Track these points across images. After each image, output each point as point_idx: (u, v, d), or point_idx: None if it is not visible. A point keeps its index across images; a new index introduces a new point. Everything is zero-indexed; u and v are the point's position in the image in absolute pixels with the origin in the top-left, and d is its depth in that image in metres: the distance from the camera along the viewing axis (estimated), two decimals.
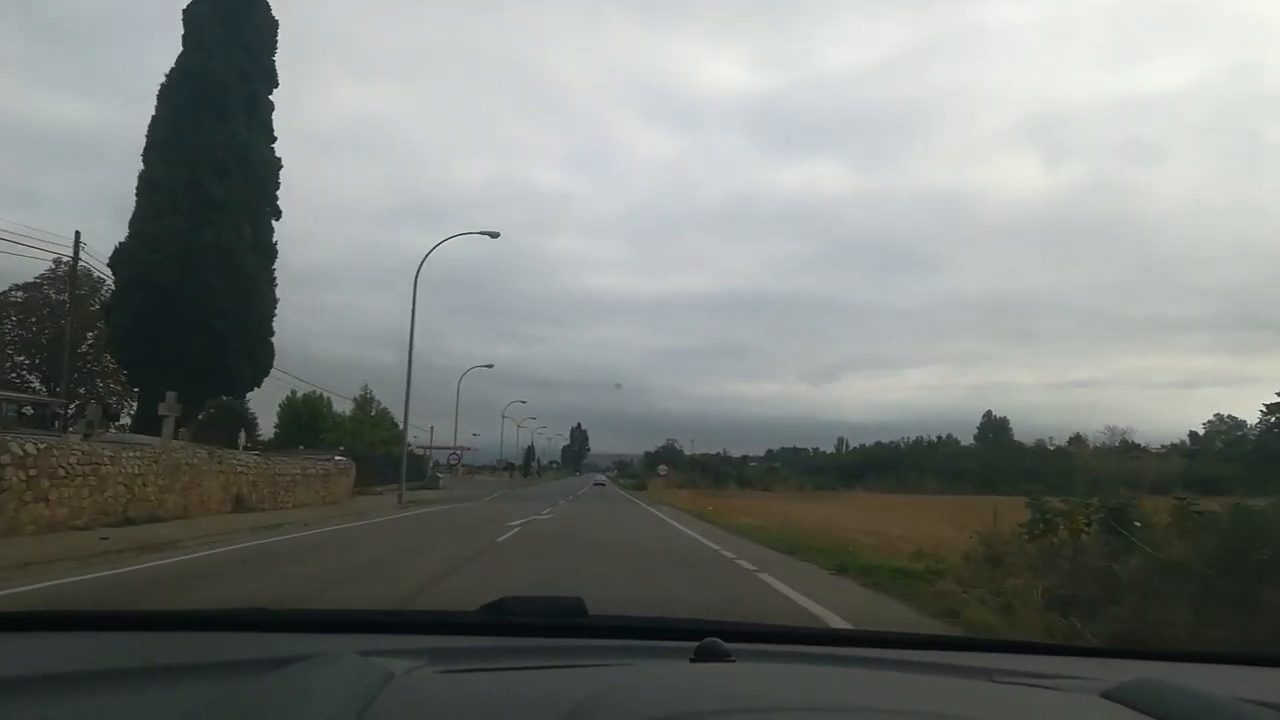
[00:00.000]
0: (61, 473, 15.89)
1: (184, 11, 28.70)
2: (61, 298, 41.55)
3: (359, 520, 23.06)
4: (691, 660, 1.47)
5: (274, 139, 30.09)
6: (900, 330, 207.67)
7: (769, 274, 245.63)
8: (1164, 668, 1.89)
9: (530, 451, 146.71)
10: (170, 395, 21.44)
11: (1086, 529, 10.29)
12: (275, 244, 29.90)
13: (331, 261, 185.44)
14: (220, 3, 28.46)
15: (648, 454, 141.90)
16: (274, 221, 30.00)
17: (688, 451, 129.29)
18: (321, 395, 68.34)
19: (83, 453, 16.76)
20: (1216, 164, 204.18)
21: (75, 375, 36.48)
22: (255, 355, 28.42)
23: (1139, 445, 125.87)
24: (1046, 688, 1.38)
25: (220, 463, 22.37)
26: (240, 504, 22.75)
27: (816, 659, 1.73)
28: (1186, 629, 6.43)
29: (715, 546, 18.11)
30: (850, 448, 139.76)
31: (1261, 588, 6.40)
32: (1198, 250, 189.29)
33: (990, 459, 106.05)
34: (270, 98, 30.02)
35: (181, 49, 28.34)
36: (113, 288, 29.25)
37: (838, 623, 8.06)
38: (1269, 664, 1.96)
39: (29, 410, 32.70)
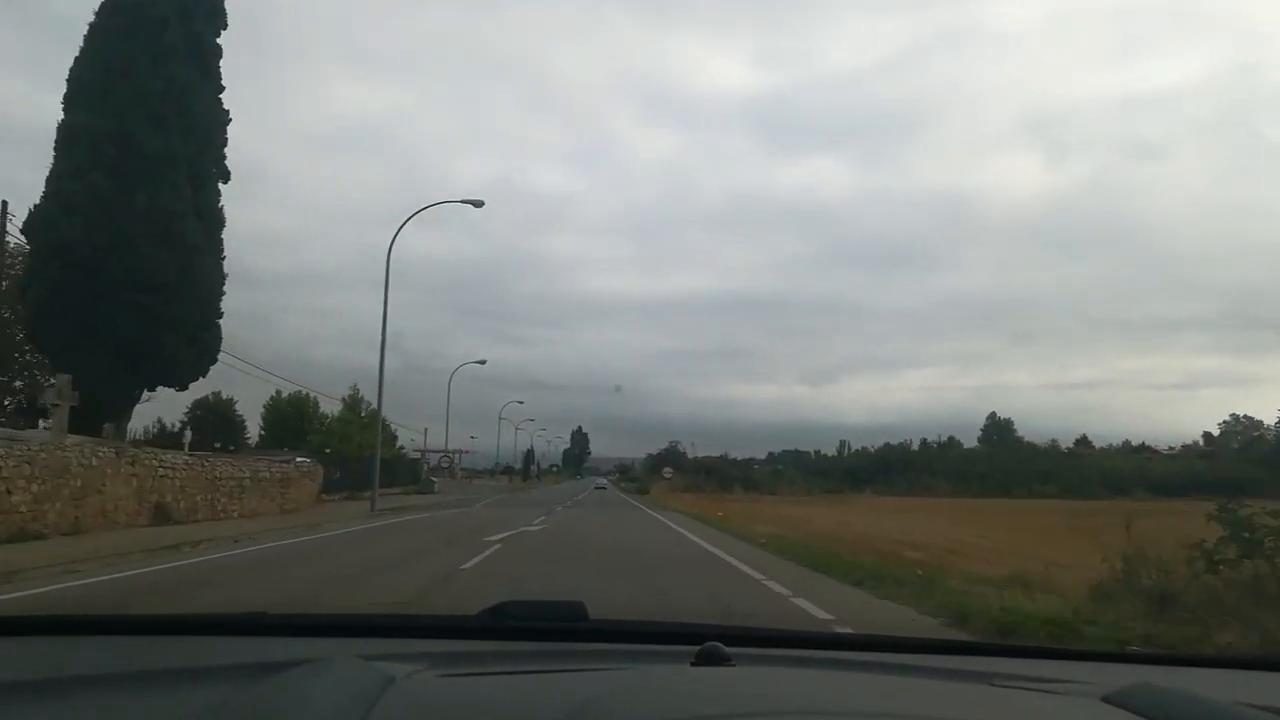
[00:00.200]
0: None
1: None
2: None
3: (308, 534, 18.41)
4: (692, 664, 1.42)
5: (221, 88, 25.41)
6: (900, 331, 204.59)
7: (769, 274, 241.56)
8: (1163, 672, 1.86)
9: (530, 455, 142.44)
10: (63, 379, 16.83)
11: None
12: (222, 209, 25.17)
13: (331, 263, 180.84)
14: None
15: (650, 456, 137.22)
16: (221, 184, 25.31)
17: (689, 454, 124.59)
18: (308, 395, 63.60)
19: None
20: (1218, 163, 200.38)
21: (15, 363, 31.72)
22: (197, 338, 23.66)
23: (1148, 446, 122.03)
24: (1046, 692, 1.36)
25: (133, 464, 17.66)
26: (163, 514, 18.07)
27: (817, 663, 1.72)
28: None
29: (747, 569, 13.80)
30: (852, 450, 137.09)
31: None
32: (1199, 250, 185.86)
33: (1001, 461, 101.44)
34: (219, 41, 25.35)
35: None
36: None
37: None
38: (1268, 668, 1.93)
39: None
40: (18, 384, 31.76)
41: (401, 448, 74.93)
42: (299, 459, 27.76)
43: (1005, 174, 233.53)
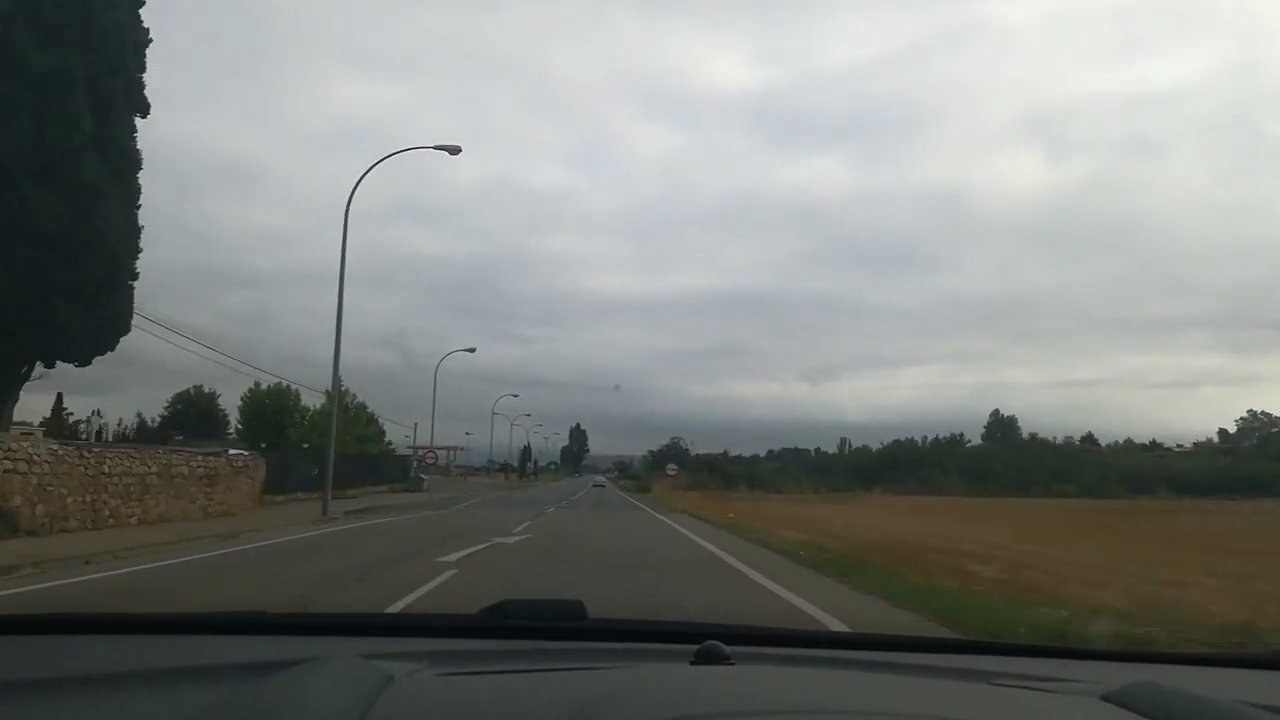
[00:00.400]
0: None
1: None
2: None
3: (205, 551, 13.54)
4: (691, 663, 1.40)
5: (141, 2, 20.49)
6: (899, 329, 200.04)
7: (769, 272, 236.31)
8: (1163, 670, 1.79)
9: (526, 451, 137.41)
10: None
11: None
12: (137, 147, 20.24)
13: (330, 261, 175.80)
14: None
15: (651, 453, 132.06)
16: (138, 118, 20.39)
17: (690, 452, 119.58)
18: (289, 388, 58.54)
19: None
20: (1219, 162, 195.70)
21: None
22: (97, 303, 18.76)
23: (1159, 444, 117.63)
24: (1045, 691, 1.34)
25: None
26: (6, 522, 13.19)
27: (816, 662, 1.69)
28: None
29: (804, 604, 8.95)
30: (853, 448, 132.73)
31: None
32: (1199, 249, 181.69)
33: (1015, 459, 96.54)
34: None
35: None
36: None
37: None
38: (1267, 666, 1.88)
39: None
40: None
41: (390, 443, 70.24)
42: (232, 451, 22.82)
43: (1006, 173, 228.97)
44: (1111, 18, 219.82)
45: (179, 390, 72.16)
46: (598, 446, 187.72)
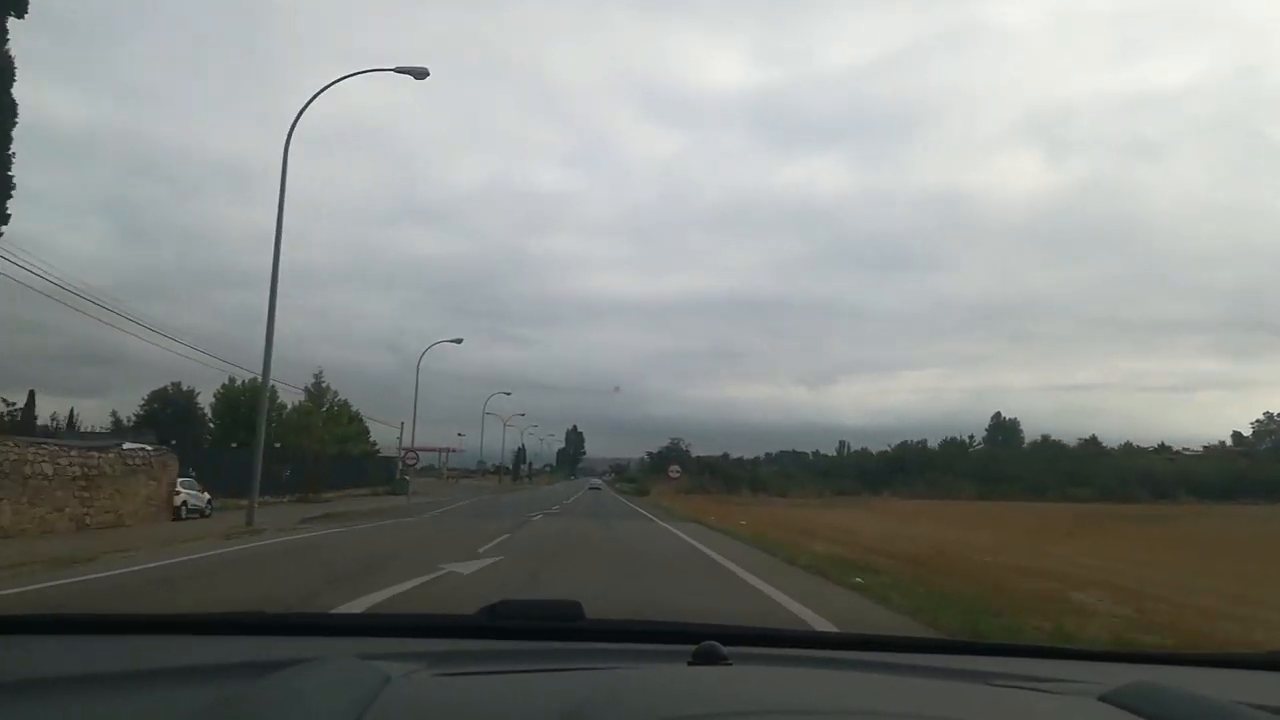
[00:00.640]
0: None
1: None
2: None
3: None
4: (689, 664, 1.39)
5: None
6: (897, 332, 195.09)
7: (767, 274, 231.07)
8: (1160, 671, 1.77)
9: (521, 453, 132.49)
10: None
11: None
12: (11, 56, 15.52)
13: (327, 262, 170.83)
14: None
15: (650, 455, 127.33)
16: (11, 16, 15.65)
17: (691, 454, 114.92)
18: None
19: None
20: (1219, 164, 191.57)
21: None
22: None
23: (1167, 446, 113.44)
24: (1043, 691, 1.33)
25: None
26: None
27: (814, 662, 1.66)
28: None
29: None
30: (852, 450, 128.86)
31: None
32: (1199, 250, 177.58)
33: (1025, 461, 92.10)
34: None
35: None
36: None
37: None
38: (1264, 667, 1.85)
39: None
40: None
41: (375, 444, 65.65)
42: (129, 444, 18.11)
43: (1005, 174, 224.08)
44: (1112, 19, 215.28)
45: (156, 387, 67.48)
46: (594, 449, 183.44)
